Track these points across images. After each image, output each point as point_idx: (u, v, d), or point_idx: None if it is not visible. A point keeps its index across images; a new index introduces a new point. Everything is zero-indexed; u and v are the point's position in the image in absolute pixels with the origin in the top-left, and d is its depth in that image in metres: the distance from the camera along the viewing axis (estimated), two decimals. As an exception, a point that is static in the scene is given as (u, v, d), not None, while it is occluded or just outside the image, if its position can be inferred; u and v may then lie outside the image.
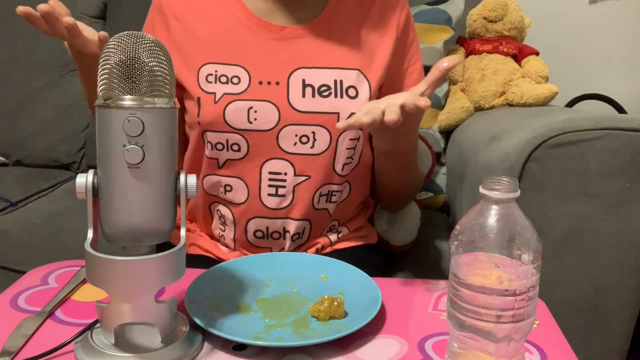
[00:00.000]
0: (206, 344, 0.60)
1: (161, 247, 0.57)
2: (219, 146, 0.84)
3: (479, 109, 1.36)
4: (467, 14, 1.43)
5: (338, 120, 0.83)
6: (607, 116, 0.89)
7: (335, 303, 0.65)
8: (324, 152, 0.85)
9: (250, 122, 0.83)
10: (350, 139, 0.86)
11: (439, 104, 1.40)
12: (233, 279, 0.72)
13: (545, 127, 0.88)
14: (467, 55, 1.43)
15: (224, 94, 0.82)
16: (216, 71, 0.83)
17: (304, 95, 0.83)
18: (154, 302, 0.55)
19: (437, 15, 1.41)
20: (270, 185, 0.85)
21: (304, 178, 0.85)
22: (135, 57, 0.51)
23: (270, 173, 0.85)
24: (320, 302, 0.66)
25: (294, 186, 0.85)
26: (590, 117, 0.89)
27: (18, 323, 0.62)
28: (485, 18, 1.38)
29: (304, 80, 0.84)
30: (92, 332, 0.59)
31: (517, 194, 0.50)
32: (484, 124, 1.21)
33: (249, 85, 0.83)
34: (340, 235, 0.93)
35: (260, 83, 0.83)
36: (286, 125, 0.83)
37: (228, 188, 0.86)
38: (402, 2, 0.91)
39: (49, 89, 1.58)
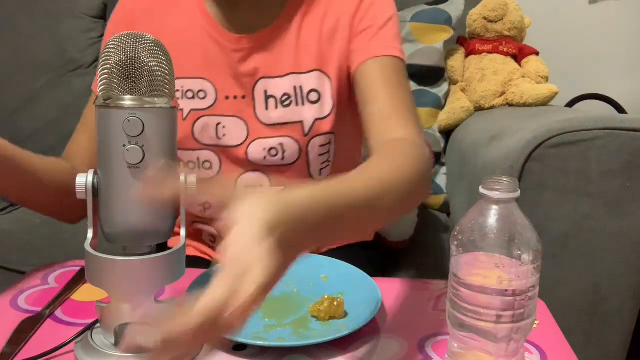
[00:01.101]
0: (206, 344, 0.60)
1: (161, 247, 0.57)
2: (191, 165, 0.82)
3: (479, 109, 1.36)
4: (467, 14, 1.43)
5: (303, 129, 0.80)
6: (607, 116, 0.89)
7: (335, 303, 0.65)
8: (295, 162, 0.82)
9: (219, 138, 0.81)
10: (321, 145, 0.82)
11: (439, 104, 1.40)
12: (233, 279, 0.72)
13: (545, 127, 0.88)
14: (467, 55, 1.44)
15: (191, 110, 0.81)
16: (182, 86, 0.81)
17: (267, 108, 0.81)
18: (154, 302, 0.55)
19: (437, 15, 1.41)
20: None
21: (280, 189, 0.83)
22: (135, 57, 0.51)
23: (246, 187, 0.83)
24: (320, 302, 0.66)
25: None
26: (590, 117, 0.89)
27: (18, 323, 0.62)
28: (485, 18, 1.38)
29: (265, 92, 0.81)
30: (92, 332, 0.59)
31: (517, 194, 0.50)
32: (484, 124, 1.21)
33: (215, 99, 0.81)
34: None
35: (227, 98, 0.81)
36: (255, 140, 0.81)
37: (207, 205, 0.85)
38: None
39: (49, 89, 1.58)
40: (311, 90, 0.80)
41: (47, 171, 0.71)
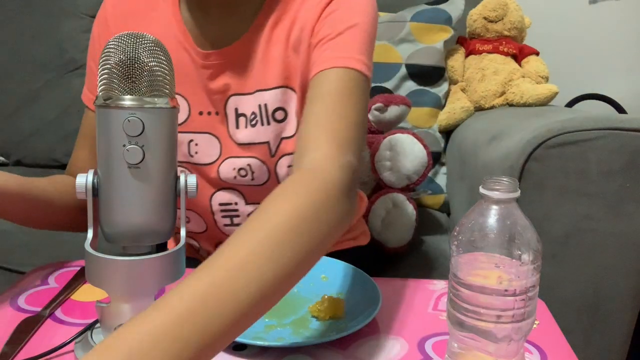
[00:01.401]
0: (206, 344, 0.60)
1: (161, 247, 0.57)
2: None
3: (479, 109, 1.36)
4: (467, 14, 1.44)
5: (269, 150, 0.76)
6: (607, 116, 0.89)
7: (335, 303, 0.65)
8: (266, 182, 0.78)
9: (192, 156, 0.78)
10: (289, 166, 0.77)
11: (439, 104, 1.40)
12: (233, 279, 0.72)
13: (545, 127, 0.88)
14: (467, 55, 1.44)
15: None
16: None
17: (237, 126, 0.76)
18: (154, 302, 0.55)
19: (437, 15, 1.41)
20: (224, 217, 0.82)
21: (256, 207, 0.80)
22: (135, 57, 0.51)
23: (220, 204, 0.81)
24: (320, 302, 0.66)
25: (248, 215, 0.80)
26: (590, 117, 0.89)
27: (18, 323, 0.62)
28: (485, 18, 1.38)
29: (236, 110, 0.76)
30: (92, 332, 0.59)
31: (517, 194, 0.50)
32: (484, 124, 1.21)
33: (189, 115, 0.77)
34: None
35: (201, 113, 0.77)
36: (226, 158, 0.78)
37: (186, 219, 0.84)
38: None
39: (49, 89, 1.58)
40: (277, 109, 0.75)
41: (58, 193, 0.72)
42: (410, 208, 1.06)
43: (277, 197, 0.51)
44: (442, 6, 1.43)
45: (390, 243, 1.05)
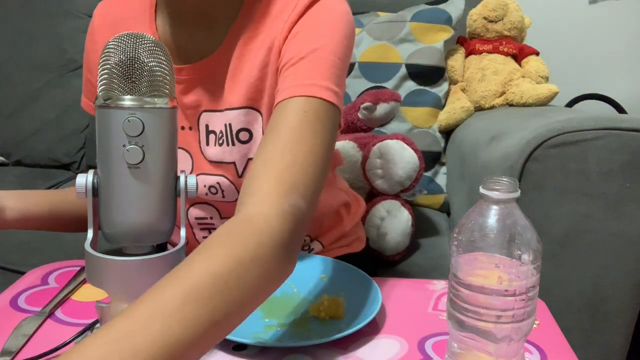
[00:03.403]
0: (206, 344, 0.60)
1: (161, 247, 0.57)
2: None
3: (479, 109, 1.36)
4: (467, 14, 1.44)
5: (236, 170, 0.74)
6: (607, 116, 0.89)
7: (335, 303, 0.65)
8: (236, 200, 0.76)
9: None
10: None
11: (439, 104, 1.40)
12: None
13: (545, 127, 0.88)
14: (467, 55, 1.44)
15: None
16: None
17: (207, 143, 0.75)
18: None
19: (437, 15, 1.41)
20: (202, 229, 0.81)
21: None
22: (135, 57, 0.51)
23: (197, 219, 0.81)
24: (320, 302, 0.66)
25: None
26: (590, 117, 0.89)
27: (18, 323, 0.62)
28: (485, 18, 1.38)
29: (207, 126, 0.74)
30: (92, 332, 0.59)
31: (517, 194, 0.50)
32: (484, 124, 1.21)
33: None
34: (313, 252, 0.87)
35: None
36: (198, 174, 0.76)
37: None
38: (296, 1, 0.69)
39: (49, 89, 1.58)
40: (241, 129, 0.73)
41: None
42: (405, 215, 1.05)
43: (202, 251, 0.48)
44: (442, 6, 1.43)
45: (387, 251, 1.04)
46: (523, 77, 1.34)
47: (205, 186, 0.76)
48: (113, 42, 0.51)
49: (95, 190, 0.53)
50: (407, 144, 1.05)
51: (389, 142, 1.06)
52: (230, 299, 0.44)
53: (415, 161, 1.04)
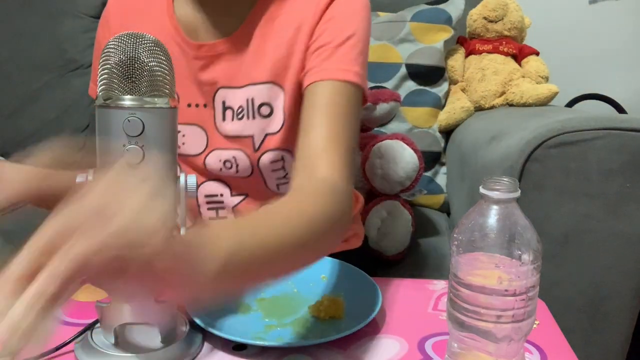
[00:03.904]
0: (206, 344, 0.60)
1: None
2: None
3: (479, 109, 1.36)
4: (467, 14, 1.43)
5: (253, 144, 0.77)
6: (607, 116, 0.89)
7: (335, 303, 0.65)
8: (250, 176, 0.80)
9: (179, 147, 0.77)
10: (272, 162, 0.78)
11: (439, 104, 1.40)
12: (233, 279, 0.72)
13: (545, 127, 0.88)
14: (467, 55, 1.44)
15: None
16: None
17: (224, 119, 0.78)
18: (154, 302, 0.55)
19: (437, 15, 1.41)
20: (209, 209, 0.83)
21: (241, 197, 0.82)
22: (135, 57, 0.51)
23: (206, 196, 0.82)
24: (320, 302, 0.66)
25: (233, 207, 0.82)
26: (590, 117, 0.89)
27: (18, 323, 0.62)
28: (485, 18, 1.38)
29: (224, 102, 0.77)
30: (92, 332, 0.59)
31: (517, 194, 0.50)
32: (484, 124, 1.21)
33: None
34: None
35: (189, 105, 0.78)
36: (213, 150, 0.79)
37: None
38: None
39: (49, 89, 1.58)
40: (262, 104, 0.76)
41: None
42: (405, 214, 1.05)
43: (307, 198, 0.58)
44: (442, 6, 1.43)
45: (388, 252, 1.04)
46: (523, 77, 1.34)
47: (220, 160, 0.79)
48: (113, 42, 0.51)
49: (95, 190, 0.53)
50: (407, 144, 1.05)
51: (388, 142, 1.06)
52: (325, 241, 0.57)
53: (415, 161, 1.04)
